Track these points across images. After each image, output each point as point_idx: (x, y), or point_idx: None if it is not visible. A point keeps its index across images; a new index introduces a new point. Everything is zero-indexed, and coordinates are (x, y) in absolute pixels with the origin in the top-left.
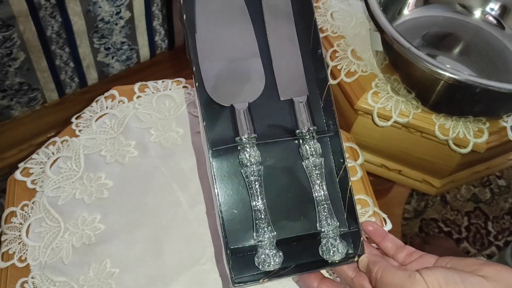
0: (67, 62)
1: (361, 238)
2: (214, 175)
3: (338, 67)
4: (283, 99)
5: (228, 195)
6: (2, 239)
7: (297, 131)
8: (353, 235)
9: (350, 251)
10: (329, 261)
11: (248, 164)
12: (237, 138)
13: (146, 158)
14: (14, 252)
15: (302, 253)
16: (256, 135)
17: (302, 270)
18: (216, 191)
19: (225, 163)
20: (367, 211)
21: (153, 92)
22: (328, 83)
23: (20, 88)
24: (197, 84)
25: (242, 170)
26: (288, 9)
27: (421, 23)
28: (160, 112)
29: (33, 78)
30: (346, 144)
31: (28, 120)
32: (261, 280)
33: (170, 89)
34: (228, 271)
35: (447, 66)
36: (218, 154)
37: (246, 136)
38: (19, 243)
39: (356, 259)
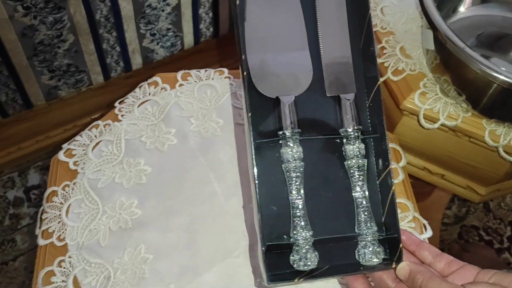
0: (114, 46)
1: (400, 245)
2: (255, 169)
3: (385, 64)
4: (329, 95)
5: (267, 190)
6: (43, 217)
7: (342, 129)
8: (391, 241)
9: (387, 257)
10: (365, 265)
11: (289, 159)
12: (280, 132)
13: (185, 147)
14: (54, 231)
15: (337, 255)
16: (299, 130)
17: (338, 273)
18: (255, 185)
19: (266, 157)
20: (407, 216)
21: (195, 81)
22: (378, 82)
23: (67, 70)
24: (244, 73)
25: (283, 165)
26: (342, 4)
27: (477, 22)
28: (201, 101)
29: (81, 60)
30: (389, 145)
31: (73, 101)
32: (296, 280)
33: (212, 79)
34: (262, 268)
35: (502, 69)
36: (260, 147)
37: (289, 130)
38: (59, 222)
39: (393, 265)
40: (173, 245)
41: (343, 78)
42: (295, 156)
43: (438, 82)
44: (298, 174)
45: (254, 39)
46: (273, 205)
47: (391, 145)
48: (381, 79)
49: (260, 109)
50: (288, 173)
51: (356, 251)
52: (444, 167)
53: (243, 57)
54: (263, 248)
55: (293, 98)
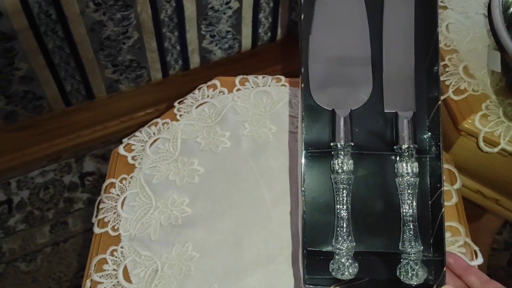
0: (175, 45)
1: (444, 268)
2: (304, 176)
3: (447, 83)
4: (387, 111)
5: (314, 198)
6: (100, 206)
7: (396, 146)
8: (435, 263)
9: (430, 278)
10: (405, 283)
11: (339, 171)
12: (332, 144)
13: (237, 150)
14: (109, 221)
15: (378, 269)
16: (352, 144)
17: (376, 286)
18: (303, 191)
19: (316, 166)
20: (458, 240)
21: (252, 87)
22: (439, 102)
23: (129, 65)
24: (302, 85)
25: (332, 176)
26: (410, 18)
27: None
28: (257, 107)
29: (143, 57)
30: (444, 166)
31: (132, 95)
32: (332, 286)
33: (269, 86)
34: (301, 270)
35: None
36: (311, 157)
37: (342, 143)
38: (114, 213)
39: None
40: (219, 246)
41: (403, 94)
42: (345, 168)
43: (502, 105)
44: (346, 186)
45: (318, 50)
46: (318, 213)
47: (446, 166)
48: (441, 98)
49: (316, 119)
50: (336, 184)
51: (397, 268)
52: (499, 192)
53: (302, 70)
54: (304, 252)
55: (349, 111)
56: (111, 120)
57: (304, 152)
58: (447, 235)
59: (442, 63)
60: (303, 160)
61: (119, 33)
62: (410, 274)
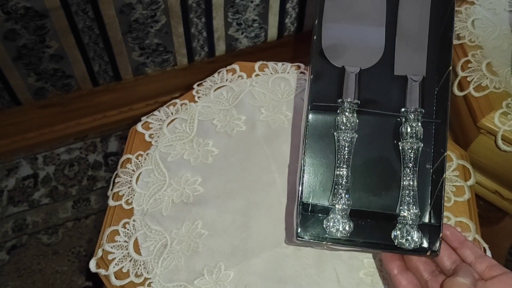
0: (201, 32)
1: (440, 235)
2: (307, 129)
3: (468, 79)
4: (396, 74)
5: (315, 153)
6: (116, 180)
7: (403, 109)
8: (432, 229)
9: (424, 245)
10: (399, 246)
11: (343, 128)
12: (339, 100)
13: (252, 134)
14: (123, 195)
15: (373, 231)
16: (358, 102)
17: (369, 247)
18: (304, 144)
19: (320, 122)
20: (467, 236)
21: (271, 73)
22: (449, 68)
23: (156, 49)
24: (315, 37)
25: (335, 133)
26: None
27: None
28: (274, 93)
29: (169, 41)
30: (459, 162)
31: (158, 79)
32: (324, 242)
33: (288, 73)
34: (295, 223)
35: None
36: (316, 112)
37: (349, 99)
38: (129, 188)
39: (428, 253)
40: (227, 225)
41: (414, 59)
42: (349, 125)
43: None
44: (349, 143)
45: (333, 8)
46: (318, 168)
47: (461, 161)
48: (461, 93)
49: (324, 76)
50: (338, 142)
51: (392, 231)
52: None
53: (316, 21)
54: (299, 205)
55: (359, 70)
56: (136, 102)
57: (309, 105)
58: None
59: (464, 59)
60: (308, 113)
61: (147, 17)
62: (405, 238)
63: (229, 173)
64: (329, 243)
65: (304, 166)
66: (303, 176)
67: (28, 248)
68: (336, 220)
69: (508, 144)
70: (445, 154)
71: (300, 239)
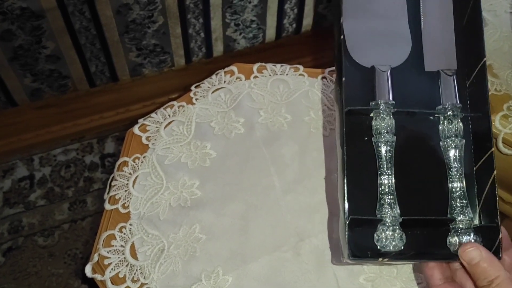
0: (199, 32)
1: (500, 235)
2: (344, 136)
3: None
4: (428, 70)
5: (354, 163)
6: (112, 184)
7: (439, 106)
8: (489, 231)
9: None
10: (457, 254)
11: (381, 132)
12: (372, 103)
13: (250, 137)
14: (120, 198)
15: (426, 240)
16: (394, 102)
17: (426, 258)
18: (343, 152)
19: (355, 128)
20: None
21: (270, 75)
22: (484, 59)
23: (153, 50)
24: (342, 37)
25: (373, 138)
26: None
27: None
28: (273, 95)
29: (167, 42)
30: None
31: (155, 79)
32: (380, 259)
33: (286, 74)
34: (343, 242)
35: None
36: (350, 119)
37: (384, 101)
38: (125, 191)
39: None
40: (226, 229)
41: (444, 53)
42: (388, 129)
43: None
44: (389, 148)
45: (352, 6)
46: (360, 179)
47: None
48: None
49: (352, 79)
50: (378, 147)
51: (447, 238)
52: None
53: (341, 20)
54: (346, 222)
55: (390, 68)
56: (133, 103)
57: (345, 109)
58: None
59: None
60: (344, 119)
61: (145, 17)
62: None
63: (227, 176)
64: (386, 259)
65: (345, 176)
66: (346, 190)
67: (24, 250)
68: (387, 233)
69: (509, 147)
70: (493, 149)
71: (353, 258)
